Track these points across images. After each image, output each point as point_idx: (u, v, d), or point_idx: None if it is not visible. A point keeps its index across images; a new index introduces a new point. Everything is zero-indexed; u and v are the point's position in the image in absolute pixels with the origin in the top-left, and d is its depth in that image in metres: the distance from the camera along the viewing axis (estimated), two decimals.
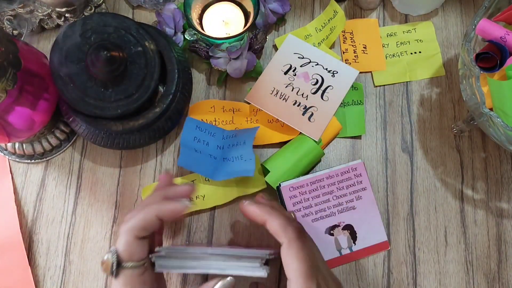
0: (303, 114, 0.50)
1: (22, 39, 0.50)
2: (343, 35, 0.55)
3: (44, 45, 0.54)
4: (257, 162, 0.49)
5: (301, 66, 0.52)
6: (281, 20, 0.55)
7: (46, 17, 0.53)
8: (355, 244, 0.47)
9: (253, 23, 0.49)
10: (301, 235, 0.35)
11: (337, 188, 0.48)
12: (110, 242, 0.48)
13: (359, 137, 0.52)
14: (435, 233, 0.49)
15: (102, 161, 0.51)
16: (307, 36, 0.55)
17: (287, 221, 0.35)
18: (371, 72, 0.54)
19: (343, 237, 0.47)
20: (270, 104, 0.51)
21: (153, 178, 0.50)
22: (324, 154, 0.50)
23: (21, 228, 0.48)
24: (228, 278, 0.35)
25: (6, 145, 0.50)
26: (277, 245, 0.36)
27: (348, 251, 0.47)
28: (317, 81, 0.51)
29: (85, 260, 0.48)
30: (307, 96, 0.51)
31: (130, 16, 0.56)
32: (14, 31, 0.52)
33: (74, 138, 0.51)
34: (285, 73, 0.52)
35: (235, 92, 0.53)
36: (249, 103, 0.52)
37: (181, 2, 0.52)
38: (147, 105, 0.45)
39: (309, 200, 0.47)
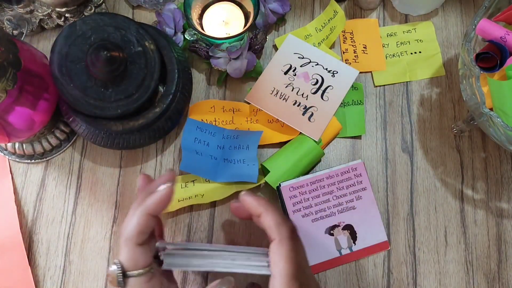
0: (303, 114, 0.50)
1: (22, 39, 0.50)
2: (343, 35, 0.55)
3: (44, 45, 0.54)
4: None
5: (301, 66, 0.52)
6: (281, 20, 0.55)
7: (46, 17, 0.53)
8: (355, 244, 0.47)
9: (253, 23, 0.49)
10: (294, 235, 0.35)
11: (337, 188, 0.48)
12: (110, 242, 0.48)
13: (359, 137, 0.52)
14: (435, 233, 0.49)
15: (102, 161, 0.51)
16: (307, 36, 0.55)
17: (282, 218, 0.35)
18: (371, 72, 0.54)
19: (343, 237, 0.47)
20: (270, 104, 0.51)
21: (153, 178, 0.50)
22: (324, 154, 0.50)
23: (21, 228, 0.48)
24: (228, 278, 0.35)
25: (6, 145, 0.50)
26: (266, 239, 0.36)
27: (348, 251, 0.47)
28: (317, 81, 0.51)
29: (85, 260, 0.48)
30: (307, 96, 0.51)
31: (130, 16, 0.56)
32: (14, 31, 0.52)
33: (74, 138, 0.51)
34: (285, 73, 0.52)
35: (235, 92, 0.53)
36: (249, 103, 0.52)
37: (181, 2, 0.52)
38: (147, 105, 0.45)
39: (309, 200, 0.47)
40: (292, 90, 0.51)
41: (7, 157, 0.50)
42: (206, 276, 0.47)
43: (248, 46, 0.50)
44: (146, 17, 0.56)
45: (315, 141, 0.49)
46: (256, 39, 0.51)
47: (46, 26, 0.54)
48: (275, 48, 0.55)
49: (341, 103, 0.51)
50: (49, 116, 0.46)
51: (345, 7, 0.57)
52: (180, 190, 0.48)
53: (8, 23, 0.52)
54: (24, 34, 0.52)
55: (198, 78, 0.54)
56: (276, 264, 0.34)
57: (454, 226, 0.49)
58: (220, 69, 0.51)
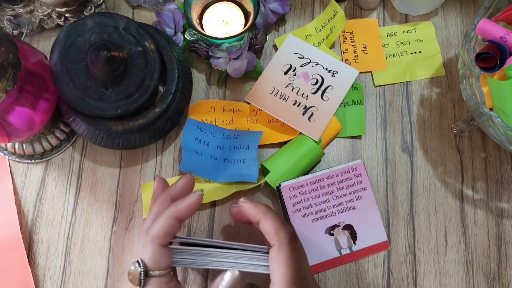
0: (303, 114, 0.50)
1: (22, 39, 0.50)
2: (343, 35, 0.55)
3: (44, 45, 0.54)
4: None
5: (301, 66, 0.52)
6: (281, 20, 0.55)
7: (46, 17, 0.53)
8: (355, 244, 0.47)
9: (253, 23, 0.49)
10: (293, 240, 0.34)
11: (337, 188, 0.48)
12: (110, 242, 0.48)
13: (359, 137, 0.52)
14: (435, 233, 0.49)
15: (102, 161, 0.51)
16: (307, 36, 0.55)
17: (281, 223, 0.35)
18: (371, 72, 0.54)
19: (343, 237, 0.47)
20: (270, 104, 0.51)
21: (153, 178, 0.50)
22: (324, 154, 0.50)
23: (21, 228, 0.48)
24: (233, 272, 0.35)
25: (6, 145, 0.50)
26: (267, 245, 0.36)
27: (348, 251, 0.47)
28: (317, 81, 0.51)
29: (85, 260, 0.48)
30: (307, 96, 0.51)
31: (130, 16, 0.56)
32: (14, 31, 0.52)
33: (74, 138, 0.51)
34: (285, 73, 0.52)
35: (235, 92, 0.53)
36: (249, 103, 0.52)
37: (181, 2, 0.52)
38: (147, 105, 0.45)
39: (309, 200, 0.47)
40: (292, 90, 0.51)
41: (7, 157, 0.50)
42: (206, 276, 0.47)
43: (248, 46, 0.50)
44: (146, 17, 0.56)
45: (315, 141, 0.49)
46: (256, 39, 0.51)
47: (46, 26, 0.54)
48: (275, 48, 0.55)
49: (341, 103, 0.51)
50: (49, 116, 0.46)
51: (345, 7, 0.57)
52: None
53: (8, 23, 0.52)
54: (24, 34, 0.52)
55: (198, 78, 0.54)
56: (275, 270, 0.33)
57: (454, 226, 0.49)
58: (220, 69, 0.51)
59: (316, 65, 0.52)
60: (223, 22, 0.52)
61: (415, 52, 0.55)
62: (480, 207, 0.50)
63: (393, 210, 0.49)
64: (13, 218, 0.48)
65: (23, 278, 0.46)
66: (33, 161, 0.50)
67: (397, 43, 0.55)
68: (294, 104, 0.51)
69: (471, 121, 0.48)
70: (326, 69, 0.52)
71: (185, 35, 0.51)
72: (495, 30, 0.43)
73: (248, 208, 0.36)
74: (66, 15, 0.52)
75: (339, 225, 0.47)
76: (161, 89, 0.48)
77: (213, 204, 0.49)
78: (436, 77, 0.54)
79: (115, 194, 0.50)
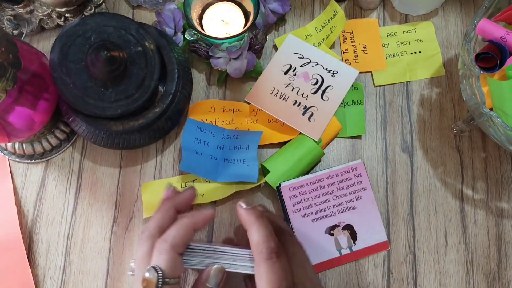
0: (303, 114, 0.50)
1: (22, 39, 0.50)
2: (343, 35, 0.55)
3: (44, 45, 0.54)
4: None
5: (301, 66, 0.52)
6: (281, 20, 0.55)
7: (46, 17, 0.53)
8: (355, 244, 0.47)
9: (253, 23, 0.49)
10: (273, 256, 0.34)
11: (337, 188, 0.48)
12: (110, 242, 0.48)
13: (359, 137, 0.52)
14: (435, 233, 0.49)
15: (102, 161, 0.51)
16: (307, 36, 0.55)
17: (265, 238, 0.34)
18: (371, 72, 0.54)
19: (343, 237, 0.47)
20: (270, 104, 0.51)
21: (153, 178, 0.50)
22: (324, 154, 0.50)
23: (21, 228, 0.48)
24: (218, 268, 0.36)
25: (6, 145, 0.50)
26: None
27: (348, 251, 0.47)
28: (317, 81, 0.51)
29: (85, 260, 0.48)
30: (307, 96, 0.51)
31: (130, 16, 0.56)
32: (14, 31, 0.52)
33: (74, 138, 0.51)
34: (285, 73, 0.52)
35: (235, 92, 0.53)
36: (249, 103, 0.52)
37: (181, 2, 0.52)
38: (147, 105, 0.45)
39: (309, 200, 0.47)
40: (292, 90, 0.51)
41: (7, 157, 0.50)
42: None
43: (248, 46, 0.50)
44: (146, 17, 0.56)
45: (315, 141, 0.49)
46: (256, 39, 0.51)
47: (46, 26, 0.54)
48: (275, 48, 0.55)
49: (341, 103, 0.51)
50: (49, 116, 0.46)
51: (345, 7, 0.57)
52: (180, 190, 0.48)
53: (8, 23, 0.52)
54: (24, 34, 0.52)
55: (198, 78, 0.54)
56: (258, 284, 0.34)
57: (454, 226, 0.49)
58: (220, 69, 0.51)
59: (316, 65, 0.52)
60: (223, 22, 0.52)
61: (415, 52, 0.55)
62: (480, 207, 0.50)
63: (393, 210, 0.49)
64: (13, 218, 0.48)
65: (23, 278, 0.46)
66: (33, 161, 0.50)
67: (397, 43, 0.55)
68: (294, 104, 0.51)
69: (471, 121, 0.48)
70: (326, 69, 0.52)
71: (185, 35, 0.51)
72: (495, 30, 0.43)
73: (241, 215, 0.37)
74: (66, 15, 0.52)
75: (339, 225, 0.47)
76: (161, 89, 0.48)
77: (213, 204, 0.49)
78: (436, 77, 0.54)
79: (115, 194, 0.50)
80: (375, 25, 0.56)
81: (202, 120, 0.51)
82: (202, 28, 0.52)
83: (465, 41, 0.42)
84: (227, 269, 0.36)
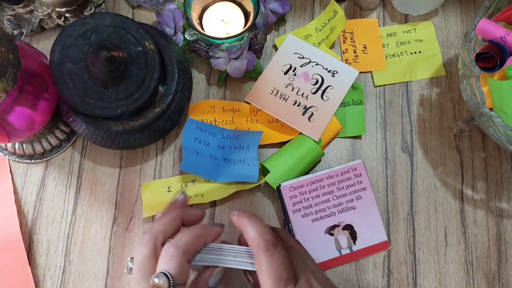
0: (303, 114, 0.50)
1: (22, 39, 0.50)
2: (343, 35, 0.55)
3: (44, 45, 0.54)
4: None
5: (301, 66, 0.52)
6: (281, 20, 0.55)
7: (46, 17, 0.53)
8: (355, 244, 0.47)
9: (253, 23, 0.49)
10: (270, 247, 0.34)
11: (337, 188, 0.48)
12: (110, 242, 0.48)
13: (359, 137, 0.52)
14: (435, 233, 0.49)
15: (102, 161, 0.51)
16: (307, 36, 0.55)
17: (260, 232, 0.35)
18: (371, 72, 0.54)
19: (343, 237, 0.47)
20: (270, 104, 0.51)
21: (153, 178, 0.50)
22: (324, 154, 0.50)
23: (21, 228, 0.48)
24: (219, 269, 0.37)
25: (6, 145, 0.50)
26: None
27: (348, 251, 0.47)
28: (317, 81, 0.51)
29: (85, 260, 0.48)
30: (307, 96, 0.51)
31: (130, 16, 0.56)
32: (14, 31, 0.52)
33: (74, 138, 0.51)
34: (285, 73, 0.52)
35: (235, 92, 0.53)
36: (249, 103, 0.52)
37: (181, 2, 0.52)
38: (147, 105, 0.45)
39: (309, 200, 0.47)
40: (292, 90, 0.51)
41: (7, 157, 0.50)
42: None
43: (248, 46, 0.50)
44: (146, 17, 0.56)
45: (315, 141, 0.49)
46: (256, 39, 0.51)
47: (46, 26, 0.54)
48: (275, 48, 0.55)
49: (341, 103, 0.51)
50: (49, 116, 0.46)
51: (345, 7, 0.57)
52: (180, 190, 0.48)
53: (8, 23, 0.52)
54: (24, 34, 0.52)
55: (198, 78, 0.54)
56: (259, 277, 0.34)
57: (454, 226, 0.49)
58: (220, 69, 0.51)
59: (316, 65, 0.52)
60: (223, 22, 0.52)
61: (415, 52, 0.55)
62: (480, 207, 0.50)
63: (393, 210, 0.49)
64: (13, 218, 0.48)
65: (23, 278, 0.46)
66: (33, 161, 0.50)
67: (397, 43, 0.55)
68: (294, 104, 0.51)
69: (471, 121, 0.48)
70: (326, 69, 0.52)
71: (185, 35, 0.51)
72: (495, 30, 0.43)
73: (234, 220, 0.37)
74: (66, 15, 0.52)
75: (339, 225, 0.47)
76: (161, 89, 0.48)
77: (213, 204, 0.49)
78: (436, 77, 0.54)
79: (115, 194, 0.50)
80: (375, 25, 0.56)
81: (202, 120, 0.51)
82: (202, 28, 0.52)
83: (465, 41, 0.42)
84: (227, 266, 0.36)
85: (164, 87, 0.46)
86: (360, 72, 0.53)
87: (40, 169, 0.50)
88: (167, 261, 0.34)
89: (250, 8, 0.51)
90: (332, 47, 0.55)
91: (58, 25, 0.54)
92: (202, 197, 0.48)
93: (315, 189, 0.48)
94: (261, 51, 0.53)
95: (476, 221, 0.49)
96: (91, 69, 0.42)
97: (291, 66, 0.52)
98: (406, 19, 0.56)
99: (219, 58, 0.50)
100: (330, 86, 0.51)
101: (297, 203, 0.47)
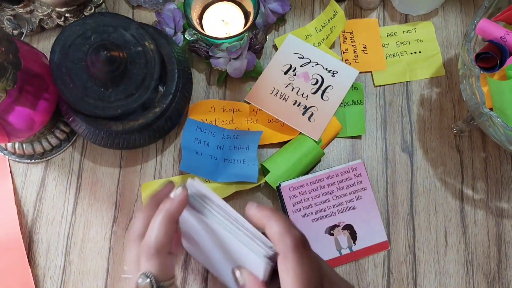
0: (303, 114, 0.50)
1: (22, 39, 0.50)
2: (343, 35, 0.55)
3: (44, 45, 0.54)
4: None
5: (301, 66, 0.52)
6: (281, 20, 0.55)
7: (46, 17, 0.53)
8: (355, 244, 0.47)
9: (253, 23, 0.49)
10: (300, 245, 0.31)
11: (337, 188, 0.48)
12: (110, 242, 0.48)
13: (359, 137, 0.52)
14: (435, 233, 0.49)
15: (102, 161, 0.51)
16: (307, 36, 0.55)
17: (287, 228, 0.31)
18: (371, 72, 0.54)
19: (343, 237, 0.47)
20: (270, 104, 0.51)
21: (153, 178, 0.50)
22: (324, 154, 0.50)
23: (21, 228, 0.48)
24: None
25: (6, 145, 0.50)
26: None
27: (348, 251, 0.47)
28: (317, 81, 0.51)
29: (85, 260, 0.48)
30: (307, 96, 0.51)
31: (130, 16, 0.56)
32: (14, 31, 0.52)
33: (74, 138, 0.51)
34: (285, 73, 0.52)
35: (235, 92, 0.53)
36: (249, 103, 0.52)
37: (181, 2, 0.52)
38: (147, 105, 0.45)
39: (309, 200, 0.47)
40: (292, 90, 0.51)
41: (7, 157, 0.50)
42: (206, 277, 0.47)
43: (248, 46, 0.50)
44: (146, 17, 0.56)
45: (315, 141, 0.49)
46: (256, 39, 0.51)
47: (46, 26, 0.54)
48: (275, 48, 0.55)
49: (341, 103, 0.51)
50: (49, 116, 0.46)
51: (345, 7, 0.57)
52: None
53: (8, 23, 0.52)
54: (24, 34, 0.52)
55: (198, 78, 0.54)
56: (283, 281, 0.30)
57: (454, 226, 0.49)
58: (220, 69, 0.51)
59: (316, 65, 0.52)
60: (223, 22, 0.52)
61: (415, 52, 0.55)
62: (480, 207, 0.50)
63: (393, 210, 0.49)
64: (13, 218, 0.48)
65: (23, 278, 0.46)
66: (33, 161, 0.50)
67: (397, 43, 0.55)
68: (294, 104, 0.51)
69: (471, 121, 0.48)
70: (326, 69, 0.52)
71: (185, 35, 0.51)
72: (495, 30, 0.43)
73: (253, 214, 0.33)
74: (66, 15, 0.52)
75: (339, 225, 0.47)
76: (161, 89, 0.48)
77: None
78: (436, 77, 0.54)
79: (115, 194, 0.50)
80: (375, 25, 0.56)
81: (202, 120, 0.51)
82: (202, 28, 0.52)
83: (465, 41, 0.42)
84: (241, 248, 0.33)
85: (164, 87, 0.46)
86: (360, 72, 0.53)
87: (40, 169, 0.50)
88: (145, 262, 0.32)
89: (250, 8, 0.51)
90: (332, 47, 0.55)
91: (58, 25, 0.54)
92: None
93: (315, 189, 0.48)
94: (261, 51, 0.53)
95: (476, 221, 0.49)
96: (91, 69, 0.42)
97: (291, 66, 0.52)
98: (406, 19, 0.56)
99: (219, 58, 0.50)
100: (330, 86, 0.51)
101: (297, 203, 0.47)
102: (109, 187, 0.50)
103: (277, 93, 0.51)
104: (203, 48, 0.50)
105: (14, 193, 0.49)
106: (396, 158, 0.51)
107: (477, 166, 0.51)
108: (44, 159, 0.50)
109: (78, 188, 0.50)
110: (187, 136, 0.48)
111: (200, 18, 0.52)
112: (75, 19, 0.52)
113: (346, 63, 0.53)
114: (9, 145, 0.50)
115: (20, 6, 0.51)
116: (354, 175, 0.48)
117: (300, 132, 0.50)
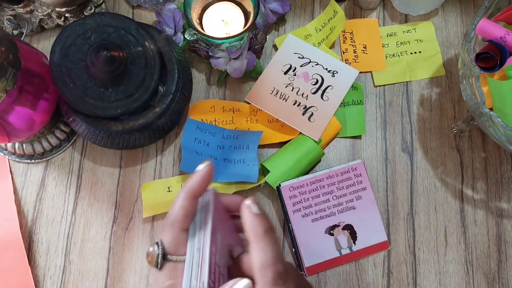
0: (303, 114, 0.50)
1: (22, 39, 0.50)
2: (343, 35, 0.55)
3: (44, 45, 0.54)
4: None
5: (301, 66, 0.52)
6: (281, 20, 0.55)
7: (46, 17, 0.53)
8: (355, 244, 0.47)
9: (253, 23, 0.49)
10: (280, 282, 0.29)
11: (337, 188, 0.48)
12: (110, 242, 0.48)
13: (359, 137, 0.52)
14: (435, 233, 0.49)
15: (102, 161, 0.51)
16: (307, 36, 0.55)
17: (272, 260, 0.29)
18: (371, 72, 0.54)
19: (343, 237, 0.47)
20: (270, 104, 0.51)
21: (153, 178, 0.50)
22: (324, 154, 0.50)
23: (21, 228, 0.48)
24: (247, 282, 0.30)
25: (6, 145, 0.50)
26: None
27: (348, 251, 0.47)
28: (317, 81, 0.51)
29: (85, 260, 0.48)
30: (307, 96, 0.51)
31: (130, 16, 0.56)
32: (14, 31, 0.52)
33: (74, 138, 0.51)
34: (285, 73, 0.52)
35: (235, 92, 0.53)
36: (249, 103, 0.52)
37: (181, 2, 0.52)
38: (147, 105, 0.45)
39: (309, 200, 0.47)
40: (292, 90, 0.51)
41: (7, 157, 0.50)
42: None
43: (248, 46, 0.50)
44: (146, 17, 0.56)
45: (315, 141, 0.49)
46: (256, 39, 0.51)
47: (46, 26, 0.54)
48: (275, 48, 0.55)
49: (341, 103, 0.51)
50: (49, 116, 0.46)
51: (345, 7, 0.57)
52: (180, 190, 0.48)
53: (8, 23, 0.52)
54: (24, 34, 0.52)
55: (198, 78, 0.54)
56: None
57: (454, 226, 0.49)
58: (220, 69, 0.51)
59: (316, 65, 0.52)
60: (223, 22, 0.52)
61: (415, 52, 0.55)
62: (480, 207, 0.50)
63: (393, 210, 0.49)
64: (13, 218, 0.48)
65: (23, 278, 0.46)
66: (33, 161, 0.50)
67: (397, 43, 0.55)
68: (294, 104, 0.51)
69: (471, 121, 0.48)
70: (326, 69, 0.52)
71: (185, 35, 0.51)
72: (495, 30, 0.43)
73: (246, 220, 0.31)
74: (66, 15, 0.52)
75: (339, 225, 0.47)
76: (161, 89, 0.48)
77: None
78: (436, 77, 0.54)
79: (115, 194, 0.50)
80: (375, 25, 0.56)
81: (202, 120, 0.51)
82: (202, 28, 0.52)
83: (465, 41, 0.42)
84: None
85: (164, 87, 0.46)
86: (360, 72, 0.53)
87: (40, 169, 0.50)
88: (162, 232, 0.33)
89: (250, 8, 0.51)
90: (332, 47, 0.55)
91: (58, 25, 0.54)
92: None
93: (315, 189, 0.48)
94: (261, 51, 0.53)
95: (476, 221, 0.49)
96: (91, 69, 0.42)
97: (291, 66, 0.52)
98: (406, 19, 0.56)
99: (219, 58, 0.50)
100: (330, 86, 0.51)
101: (297, 203, 0.47)
102: (109, 187, 0.50)
103: (277, 93, 0.51)
104: (203, 48, 0.50)
105: (14, 193, 0.49)
106: (396, 158, 0.51)
107: (477, 166, 0.51)
108: (44, 159, 0.50)
109: (78, 188, 0.50)
110: (187, 136, 0.48)
111: (200, 18, 0.52)
112: (75, 19, 0.52)
113: (346, 63, 0.53)
114: (9, 145, 0.50)
115: (20, 6, 0.51)
116: (354, 175, 0.48)
117: (300, 132, 0.50)
